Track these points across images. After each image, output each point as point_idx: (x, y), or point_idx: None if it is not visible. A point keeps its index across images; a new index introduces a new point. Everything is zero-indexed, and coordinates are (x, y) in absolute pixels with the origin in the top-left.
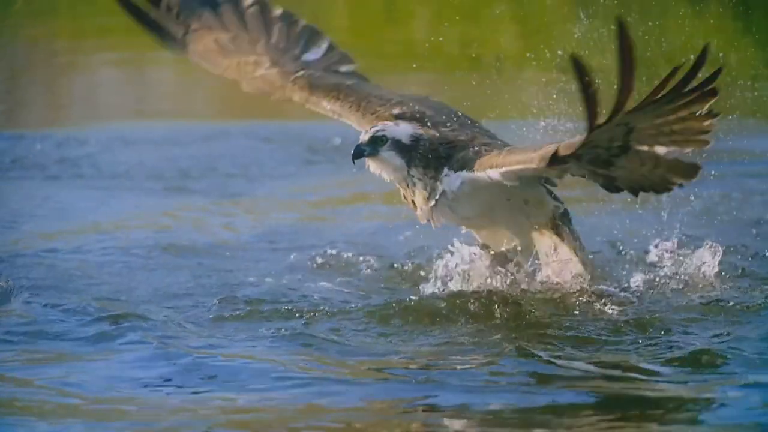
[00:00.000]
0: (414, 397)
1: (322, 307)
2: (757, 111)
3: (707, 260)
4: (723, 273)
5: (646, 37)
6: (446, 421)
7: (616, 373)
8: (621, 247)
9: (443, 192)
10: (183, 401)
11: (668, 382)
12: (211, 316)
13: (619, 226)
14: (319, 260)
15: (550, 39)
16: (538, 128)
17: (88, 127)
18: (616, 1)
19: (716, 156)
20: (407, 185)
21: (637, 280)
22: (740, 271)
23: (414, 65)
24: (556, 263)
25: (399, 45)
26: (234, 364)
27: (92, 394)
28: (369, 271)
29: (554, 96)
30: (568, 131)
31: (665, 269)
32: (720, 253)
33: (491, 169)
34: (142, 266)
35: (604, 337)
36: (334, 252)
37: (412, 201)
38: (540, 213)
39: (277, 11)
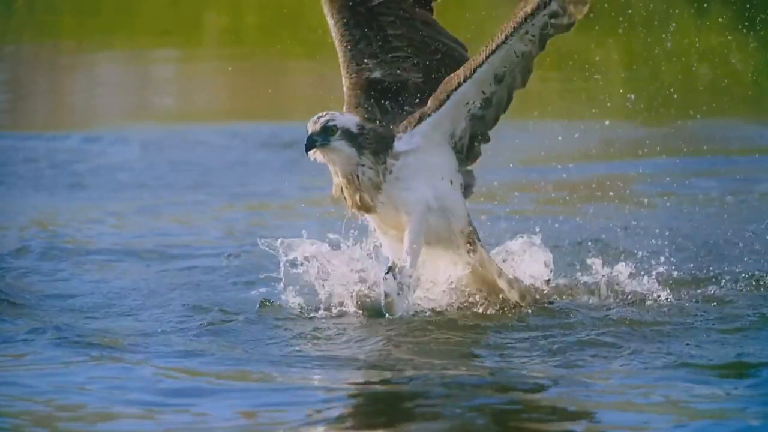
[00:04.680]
0: (383, 404)
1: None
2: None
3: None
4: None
5: (649, 39)
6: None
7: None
8: (618, 246)
9: (396, 163)
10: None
11: (667, 388)
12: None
13: (625, 233)
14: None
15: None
16: (539, 128)
17: (87, 129)
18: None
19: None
20: (355, 177)
21: (628, 281)
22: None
23: None
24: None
25: None
26: (196, 378)
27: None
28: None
29: (554, 96)
30: (568, 131)
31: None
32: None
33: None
34: (104, 270)
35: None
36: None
37: (352, 194)
38: (460, 217)
39: None
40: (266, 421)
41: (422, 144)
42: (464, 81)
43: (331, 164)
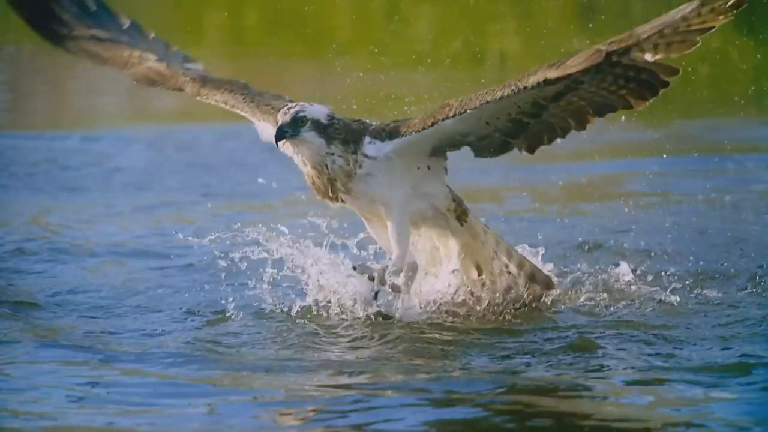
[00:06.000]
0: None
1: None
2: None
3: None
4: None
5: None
6: None
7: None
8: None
9: (366, 161)
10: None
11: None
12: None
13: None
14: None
15: (552, 38)
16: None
17: (87, 129)
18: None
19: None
20: (324, 167)
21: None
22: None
23: (415, 63)
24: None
25: (401, 43)
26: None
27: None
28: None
29: None
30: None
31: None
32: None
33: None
34: (104, 270)
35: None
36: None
37: (324, 184)
38: (442, 197)
39: (151, 33)
40: (266, 421)
41: (393, 156)
42: (452, 116)
43: (300, 155)
